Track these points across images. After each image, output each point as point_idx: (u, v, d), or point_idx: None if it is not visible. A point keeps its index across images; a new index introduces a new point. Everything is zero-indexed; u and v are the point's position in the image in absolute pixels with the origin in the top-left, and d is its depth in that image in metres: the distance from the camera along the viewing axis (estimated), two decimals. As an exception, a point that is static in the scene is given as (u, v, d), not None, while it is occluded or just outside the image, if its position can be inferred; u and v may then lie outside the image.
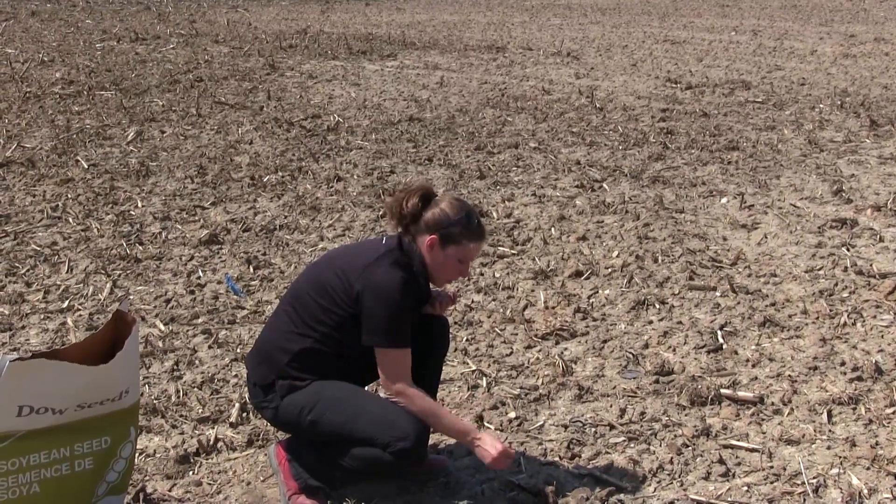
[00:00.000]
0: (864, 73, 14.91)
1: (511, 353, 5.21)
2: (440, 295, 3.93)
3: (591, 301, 5.89)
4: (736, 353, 5.16)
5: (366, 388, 3.88)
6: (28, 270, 6.32)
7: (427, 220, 3.64)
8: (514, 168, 8.93)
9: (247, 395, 3.98)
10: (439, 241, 3.63)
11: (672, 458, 4.12)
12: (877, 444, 4.21)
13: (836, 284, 6.08)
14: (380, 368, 3.63)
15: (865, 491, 3.85)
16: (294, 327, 3.68)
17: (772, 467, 4.04)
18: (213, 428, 4.39)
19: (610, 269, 6.36)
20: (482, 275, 6.31)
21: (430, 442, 4.20)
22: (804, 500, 3.81)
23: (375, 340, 3.58)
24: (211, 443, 4.24)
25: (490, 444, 3.60)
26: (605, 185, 8.37)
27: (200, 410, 4.54)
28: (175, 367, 5.00)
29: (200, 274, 6.30)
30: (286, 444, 3.82)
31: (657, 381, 4.83)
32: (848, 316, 5.59)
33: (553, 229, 7.17)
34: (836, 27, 21.95)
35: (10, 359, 3.19)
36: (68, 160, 9.05)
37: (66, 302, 5.82)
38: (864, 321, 5.55)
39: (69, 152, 9.33)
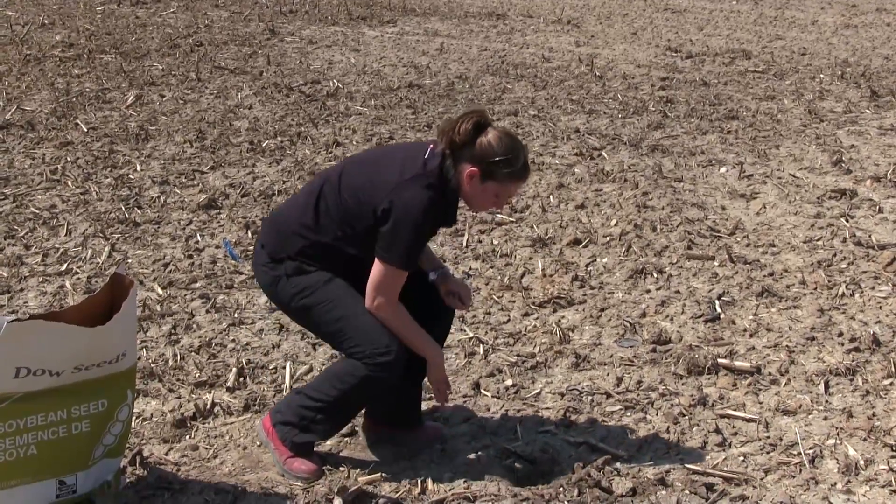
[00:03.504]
0: (866, 43, 14.85)
1: (508, 320, 5.20)
2: (461, 289, 3.91)
3: (588, 269, 5.88)
4: (733, 322, 5.15)
5: None
6: (27, 233, 6.30)
7: (474, 150, 3.57)
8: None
9: (262, 287, 3.93)
10: (480, 174, 3.57)
11: (668, 427, 4.12)
12: (874, 415, 4.21)
13: (835, 255, 6.06)
14: (372, 277, 3.60)
15: (862, 462, 3.84)
16: (317, 219, 3.67)
17: (768, 437, 4.05)
18: (210, 392, 4.38)
19: (608, 238, 6.34)
20: (480, 242, 6.29)
21: (426, 408, 4.21)
22: (800, 470, 3.81)
23: (383, 256, 3.57)
24: (208, 407, 4.24)
25: (435, 377, 3.75)
26: (603, 153, 8.34)
27: (198, 375, 4.54)
28: (173, 331, 5.00)
29: (199, 238, 6.28)
30: (269, 414, 3.84)
31: (654, 351, 4.83)
32: (846, 287, 5.58)
33: (551, 197, 7.15)
34: (837, -2, 21.83)
35: (8, 320, 3.19)
36: (68, 123, 9.02)
37: (65, 265, 5.80)
38: (862, 292, 5.54)
39: (69, 115, 9.28)
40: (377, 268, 3.58)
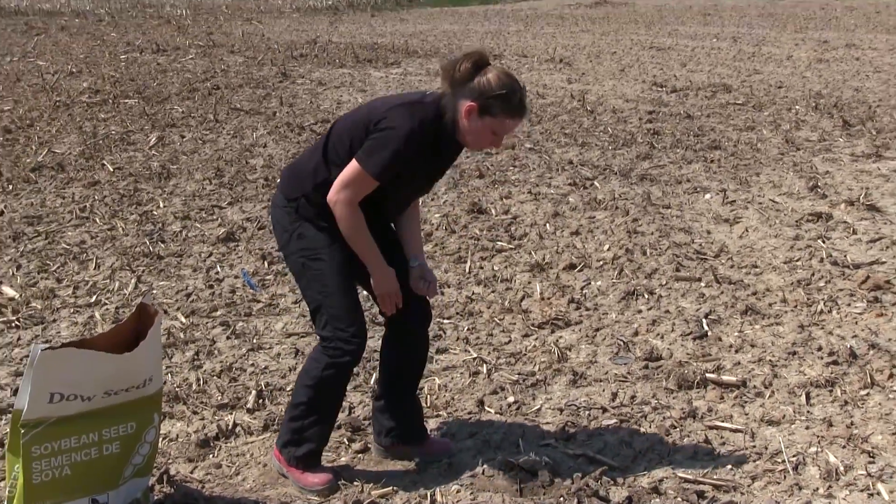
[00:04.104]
0: (837, 76, 14.90)
1: (509, 341, 5.21)
2: (420, 280, 3.86)
3: (583, 292, 5.89)
4: (720, 339, 5.15)
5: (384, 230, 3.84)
6: (58, 267, 6.32)
7: (472, 86, 3.54)
8: (511, 167, 8.92)
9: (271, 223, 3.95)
10: (478, 109, 3.54)
11: (661, 438, 4.11)
12: (852, 423, 4.20)
13: (813, 275, 6.07)
14: (343, 173, 3.56)
15: (842, 468, 3.84)
16: (326, 154, 3.67)
17: (754, 446, 4.04)
18: (231, 413, 4.39)
19: (601, 262, 6.35)
20: (482, 268, 6.30)
21: (434, 426, 4.21)
22: (785, 477, 3.80)
23: (361, 158, 3.53)
24: (229, 427, 4.24)
25: (384, 283, 3.69)
26: (596, 182, 8.36)
27: (219, 397, 4.54)
28: (195, 356, 5.00)
29: (218, 269, 6.30)
30: (276, 443, 3.87)
31: (646, 367, 4.83)
32: (824, 304, 5.58)
33: (548, 225, 7.17)
34: (810, 34, 21.93)
35: (42, 348, 3.19)
36: (95, 164, 9.05)
37: (94, 297, 5.82)
38: (839, 309, 5.54)
39: (96, 157, 9.32)
40: (351, 166, 3.55)
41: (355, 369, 4.72)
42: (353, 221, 3.57)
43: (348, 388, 4.53)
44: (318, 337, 3.75)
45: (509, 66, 16.15)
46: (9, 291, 5.86)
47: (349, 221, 3.57)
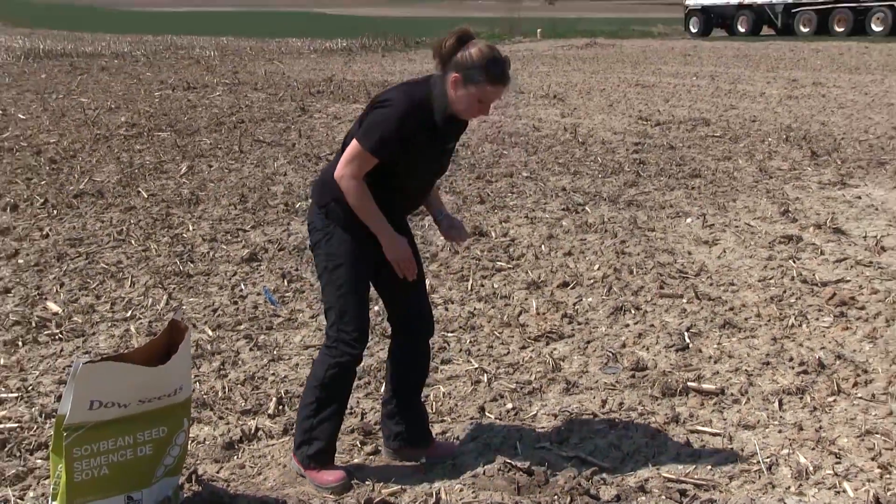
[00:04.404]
0: (805, 111, 14.92)
1: (508, 353, 5.21)
2: (454, 230, 3.91)
3: (576, 308, 5.89)
4: (700, 351, 5.15)
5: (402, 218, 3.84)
6: (97, 285, 6.33)
7: (457, 60, 3.53)
8: (510, 194, 8.94)
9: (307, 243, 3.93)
10: (462, 79, 3.52)
11: (647, 441, 4.11)
12: (820, 427, 4.20)
13: (785, 292, 6.07)
14: (346, 152, 3.57)
15: (811, 468, 3.83)
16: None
17: (732, 448, 4.03)
18: (253, 419, 4.39)
19: (592, 280, 6.36)
20: (482, 286, 6.31)
21: (439, 431, 4.21)
22: (759, 476, 3.80)
23: (360, 138, 3.54)
24: (252, 432, 4.24)
25: (392, 249, 3.64)
26: (587, 208, 8.37)
27: (243, 404, 4.54)
28: (221, 366, 5.01)
29: (242, 287, 6.31)
30: (293, 449, 3.87)
31: (633, 376, 4.82)
32: (795, 319, 5.58)
33: (543, 246, 7.17)
34: (781, 73, 21.98)
35: (83, 361, 3.21)
36: (131, 191, 9.09)
37: (130, 312, 5.83)
38: (808, 323, 5.53)
39: (132, 184, 9.36)
40: (352, 146, 3.55)
41: (368, 379, 4.75)
42: (358, 194, 3.56)
43: (361, 395, 4.56)
44: (325, 335, 3.78)
45: (507, 101, 16.21)
46: (53, 307, 5.88)
47: (354, 194, 3.56)
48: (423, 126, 3.59)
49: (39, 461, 3.96)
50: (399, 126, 3.52)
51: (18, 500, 3.65)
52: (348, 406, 4.36)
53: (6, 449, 4.06)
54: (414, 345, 3.92)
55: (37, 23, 55.73)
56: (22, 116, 14.26)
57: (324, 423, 3.75)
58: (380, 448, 4.07)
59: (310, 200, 3.89)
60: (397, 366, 3.95)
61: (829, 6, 37.27)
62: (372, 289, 3.83)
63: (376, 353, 5.02)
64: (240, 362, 5.08)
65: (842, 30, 36.68)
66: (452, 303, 5.99)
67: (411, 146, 3.57)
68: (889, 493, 3.64)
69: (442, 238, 7.29)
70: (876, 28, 35.65)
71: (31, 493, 3.70)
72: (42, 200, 8.67)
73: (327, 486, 3.72)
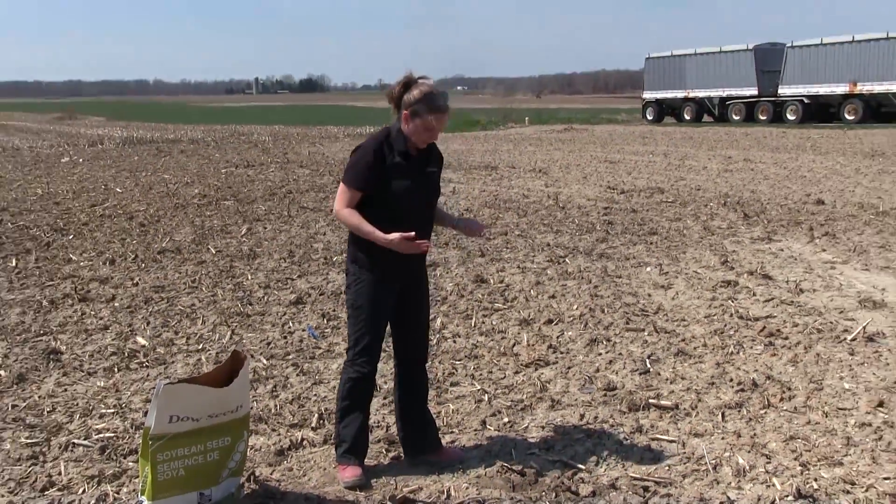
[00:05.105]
0: (738, 182, 14.98)
1: (504, 377, 5.19)
2: (471, 225, 3.89)
3: (559, 340, 5.88)
4: (659, 374, 5.13)
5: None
6: (175, 323, 6.35)
7: (404, 100, 3.58)
8: (505, 249, 8.96)
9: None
10: (410, 115, 3.57)
11: (616, 448, 4.09)
12: (755, 434, 4.17)
13: (725, 326, 6.05)
14: (336, 195, 3.65)
15: (748, 467, 3.81)
16: None
17: (685, 452, 4.01)
18: (300, 431, 4.38)
19: (571, 318, 6.35)
20: (483, 322, 6.30)
21: (449, 440, 4.19)
22: (706, 475, 3.77)
23: (343, 178, 3.62)
24: (298, 441, 4.23)
25: (394, 245, 3.54)
26: (567, 259, 8.39)
27: (291, 419, 4.53)
28: (273, 389, 5.01)
29: (290, 325, 6.32)
30: None
31: (605, 395, 4.80)
32: (733, 347, 5.56)
33: (532, 290, 7.18)
34: (719, 151, 22.09)
35: (164, 383, 3.22)
36: (202, 248, 9.14)
37: (201, 345, 5.84)
38: (744, 350, 5.52)
39: (203, 243, 9.42)
40: (340, 187, 3.63)
41: (391, 398, 4.73)
42: (350, 219, 3.61)
43: (386, 412, 4.54)
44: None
45: (502, 174, 16.32)
46: (141, 341, 5.90)
47: (346, 219, 3.62)
48: (395, 154, 3.62)
49: (131, 463, 3.96)
50: (370, 159, 3.58)
51: (115, 494, 3.66)
52: (376, 421, 4.37)
53: (105, 453, 4.07)
54: (412, 369, 3.93)
55: (131, 117, 56.47)
56: (119, 190, 14.40)
57: (347, 427, 3.77)
58: (401, 454, 4.06)
59: (345, 254, 3.92)
60: (402, 386, 3.95)
61: (755, 100, 37.82)
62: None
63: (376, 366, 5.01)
64: (288, 385, 5.08)
65: (765, 118, 37.27)
66: (459, 336, 5.99)
67: (391, 172, 3.60)
68: (807, 486, 3.62)
69: (450, 284, 7.35)
70: (790, 117, 36.32)
71: (125, 489, 3.70)
72: (133, 256, 8.73)
73: (344, 480, 3.72)
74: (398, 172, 3.61)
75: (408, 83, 3.61)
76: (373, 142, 3.62)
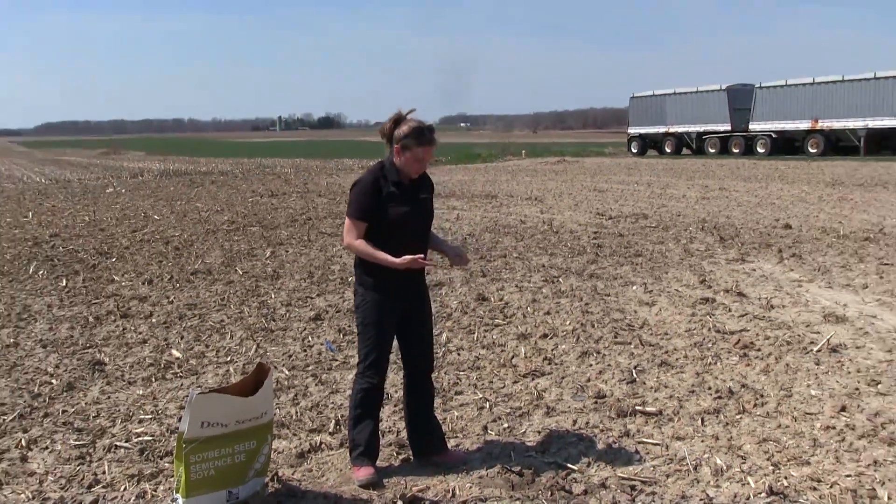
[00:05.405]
0: (715, 208, 14.99)
1: (504, 386, 5.19)
2: (458, 253, 3.79)
3: (553, 352, 5.87)
4: (644, 383, 5.13)
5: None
6: (206, 337, 6.37)
7: (395, 135, 3.59)
8: (504, 270, 8.98)
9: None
10: (400, 149, 3.58)
11: (606, 450, 4.08)
12: (731, 438, 4.16)
13: (704, 339, 6.05)
14: (345, 230, 3.65)
15: (725, 467, 3.80)
16: None
17: (668, 454, 4.00)
18: (318, 435, 4.38)
19: (565, 333, 6.35)
20: (485, 336, 6.31)
21: (454, 443, 4.18)
22: (688, 474, 3.76)
23: (347, 212, 3.63)
24: (317, 445, 4.23)
25: (399, 265, 3.55)
26: (560, 279, 8.39)
27: (311, 424, 4.53)
28: (295, 397, 5.01)
29: (310, 339, 6.32)
30: None
31: (596, 402, 4.80)
32: (711, 358, 5.55)
33: (529, 308, 7.18)
34: (697, 181, 22.12)
35: (197, 392, 3.24)
36: (231, 270, 9.17)
37: (229, 357, 5.85)
38: (721, 362, 5.51)
39: (231, 265, 9.45)
40: (346, 222, 3.64)
41: (401, 406, 4.73)
42: (359, 247, 3.63)
43: (396, 418, 4.54)
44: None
45: (501, 202, 16.35)
46: (176, 353, 5.91)
47: (357, 248, 3.64)
48: (389, 184, 3.64)
49: (167, 464, 3.96)
50: (368, 192, 3.60)
51: (153, 492, 3.66)
52: (388, 427, 4.37)
53: (144, 455, 4.08)
54: (419, 378, 3.93)
55: (168, 152, 56.79)
56: (156, 217, 14.47)
57: (360, 433, 3.77)
58: (410, 457, 4.05)
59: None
60: (411, 394, 3.95)
61: (728, 134, 38.03)
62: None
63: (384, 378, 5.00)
64: (308, 394, 5.08)
65: (737, 151, 37.50)
66: (462, 349, 5.99)
67: (388, 200, 3.62)
68: (779, 484, 3.61)
69: (455, 301, 7.35)
70: (760, 150, 36.61)
71: (161, 487, 3.71)
72: (169, 276, 8.77)
73: (358, 480, 3.71)
74: (394, 200, 3.64)
75: (398, 119, 3.64)
76: (369, 175, 3.65)
